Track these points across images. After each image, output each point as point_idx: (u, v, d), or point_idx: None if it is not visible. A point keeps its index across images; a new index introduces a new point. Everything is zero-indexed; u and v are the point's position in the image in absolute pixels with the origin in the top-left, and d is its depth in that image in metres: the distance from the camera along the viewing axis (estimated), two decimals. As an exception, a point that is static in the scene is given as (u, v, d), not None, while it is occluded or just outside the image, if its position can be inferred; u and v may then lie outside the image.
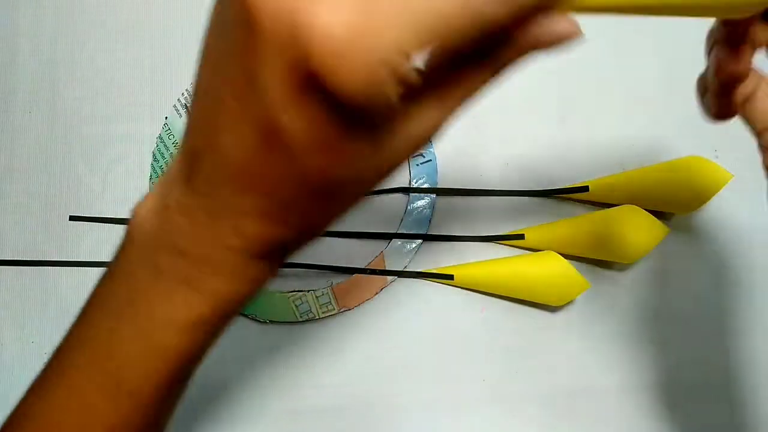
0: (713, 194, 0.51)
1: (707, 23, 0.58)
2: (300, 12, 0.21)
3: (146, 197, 0.29)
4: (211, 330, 0.30)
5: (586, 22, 0.57)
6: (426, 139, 0.27)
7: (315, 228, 0.28)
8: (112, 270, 0.30)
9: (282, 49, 0.22)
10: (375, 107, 0.23)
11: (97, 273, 0.51)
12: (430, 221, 0.55)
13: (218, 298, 0.28)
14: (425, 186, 0.55)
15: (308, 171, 0.25)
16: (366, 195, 0.29)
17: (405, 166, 0.55)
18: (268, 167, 0.25)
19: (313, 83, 0.21)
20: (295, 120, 0.23)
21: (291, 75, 0.22)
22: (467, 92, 0.28)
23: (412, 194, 0.55)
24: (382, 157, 0.26)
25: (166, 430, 0.34)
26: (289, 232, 0.27)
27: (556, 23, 0.26)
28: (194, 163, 0.26)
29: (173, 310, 0.28)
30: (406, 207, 0.55)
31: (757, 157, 0.55)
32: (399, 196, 0.55)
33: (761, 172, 0.56)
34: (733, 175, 0.51)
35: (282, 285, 0.54)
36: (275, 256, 0.28)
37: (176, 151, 0.32)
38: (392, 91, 0.22)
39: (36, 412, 0.31)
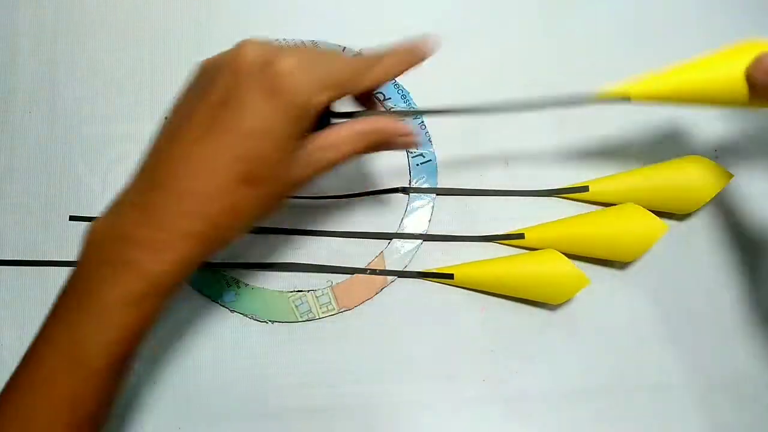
0: (713, 194, 0.51)
1: (711, 34, 0.58)
2: (270, 56, 0.37)
3: (100, 216, 0.39)
4: (150, 305, 0.38)
5: (589, 23, 0.57)
6: (327, 162, 0.41)
7: (235, 230, 0.40)
8: (72, 274, 0.39)
9: (260, 75, 0.37)
10: (306, 110, 0.38)
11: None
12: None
13: (153, 275, 0.37)
14: (425, 186, 0.55)
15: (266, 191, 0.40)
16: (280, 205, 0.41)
17: (405, 167, 0.55)
18: (225, 200, 0.38)
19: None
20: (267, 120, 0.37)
21: (263, 88, 0.37)
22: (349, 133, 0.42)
23: (411, 194, 0.55)
24: (297, 170, 0.40)
25: (114, 404, 0.41)
26: (214, 235, 0.39)
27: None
28: (153, 187, 0.38)
29: (119, 290, 0.37)
30: (406, 207, 0.55)
31: (757, 157, 0.56)
32: (399, 196, 0.55)
33: (761, 172, 0.56)
34: (733, 175, 0.51)
35: (282, 285, 0.54)
36: (202, 251, 0.39)
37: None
38: (316, 101, 0.38)
39: (10, 395, 0.38)
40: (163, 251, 0.38)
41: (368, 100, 0.45)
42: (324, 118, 0.42)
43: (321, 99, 0.38)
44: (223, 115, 0.37)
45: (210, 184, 0.38)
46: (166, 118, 0.41)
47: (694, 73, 0.46)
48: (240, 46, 0.38)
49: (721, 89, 0.45)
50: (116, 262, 0.37)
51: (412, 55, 0.42)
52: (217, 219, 0.38)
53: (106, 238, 0.38)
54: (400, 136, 0.43)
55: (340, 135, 0.41)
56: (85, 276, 0.38)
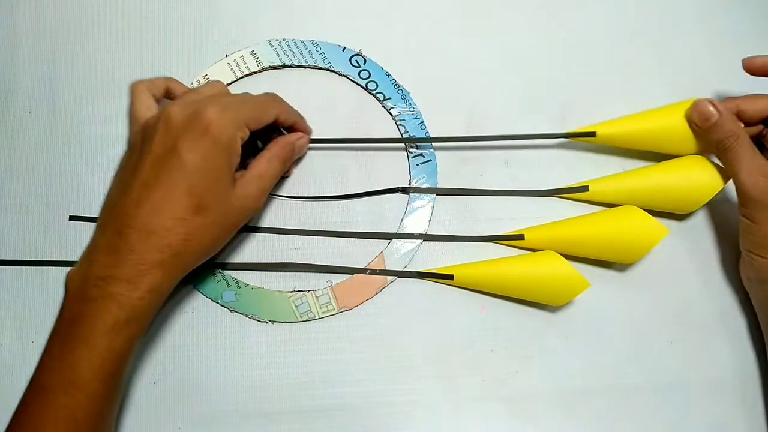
0: (713, 194, 0.51)
1: (716, 37, 0.58)
2: (194, 110, 0.46)
3: (75, 267, 0.46)
4: (132, 330, 0.45)
5: (590, 22, 0.57)
6: (263, 183, 0.49)
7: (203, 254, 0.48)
8: (60, 315, 0.45)
9: (190, 126, 0.45)
10: (232, 143, 0.46)
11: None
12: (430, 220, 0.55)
13: (134, 303, 0.44)
14: (425, 186, 0.55)
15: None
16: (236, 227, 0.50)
17: (405, 167, 0.55)
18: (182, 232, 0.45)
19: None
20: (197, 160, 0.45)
21: (196, 134, 0.45)
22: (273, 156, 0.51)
23: (411, 194, 0.55)
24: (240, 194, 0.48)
25: (113, 422, 0.47)
26: (177, 262, 0.46)
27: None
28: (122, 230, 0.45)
29: (104, 321, 0.43)
30: (406, 207, 0.55)
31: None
32: (399, 196, 0.55)
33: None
34: (732, 175, 0.51)
35: (282, 285, 0.54)
36: (171, 276, 0.46)
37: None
38: (237, 136, 0.47)
39: (21, 417, 0.44)
40: (138, 282, 0.44)
41: (276, 129, 0.54)
42: (249, 146, 0.50)
43: (240, 134, 0.47)
44: (168, 162, 0.45)
45: (167, 219, 0.45)
46: (114, 177, 0.49)
47: (652, 120, 0.54)
48: (165, 110, 0.46)
49: (676, 134, 0.53)
50: (99, 298, 0.43)
51: (297, 117, 0.54)
52: (178, 247, 0.45)
53: (87, 281, 0.44)
54: (298, 141, 0.54)
55: (261, 165, 0.50)
56: (72, 314, 0.44)
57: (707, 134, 0.51)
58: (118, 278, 0.43)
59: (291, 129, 0.54)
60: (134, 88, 0.51)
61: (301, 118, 0.54)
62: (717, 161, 0.52)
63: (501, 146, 0.56)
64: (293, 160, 0.54)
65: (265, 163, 0.50)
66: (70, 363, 0.43)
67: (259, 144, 0.53)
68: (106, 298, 0.43)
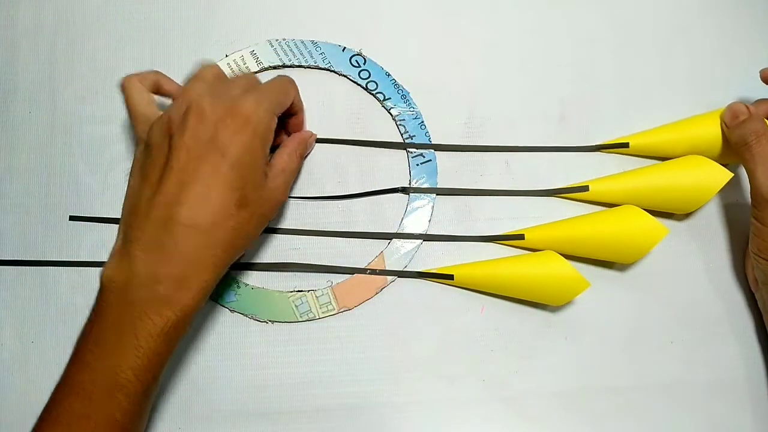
0: (713, 193, 0.51)
1: (716, 36, 0.58)
2: (228, 104, 0.45)
3: (107, 264, 0.44)
4: (178, 331, 0.43)
5: (589, 21, 0.57)
6: (287, 172, 0.49)
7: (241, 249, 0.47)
8: (94, 315, 0.43)
9: (228, 118, 0.44)
10: (269, 132, 0.46)
11: (97, 273, 0.52)
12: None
13: (185, 304, 0.43)
14: (425, 186, 0.55)
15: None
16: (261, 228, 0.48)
17: (405, 167, 0.55)
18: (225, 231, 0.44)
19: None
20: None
21: (235, 126, 0.44)
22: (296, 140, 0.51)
23: (411, 194, 0.55)
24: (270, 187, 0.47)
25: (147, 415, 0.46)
26: (225, 258, 0.45)
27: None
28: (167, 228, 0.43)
29: (153, 324, 0.42)
30: (406, 207, 0.55)
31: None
32: (398, 197, 0.55)
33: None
34: (732, 174, 0.51)
35: (282, 285, 0.54)
36: (219, 274, 0.45)
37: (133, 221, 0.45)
38: (272, 124, 0.46)
39: (53, 420, 0.42)
40: (188, 283, 0.43)
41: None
42: None
43: (274, 121, 0.47)
44: (208, 156, 0.43)
45: (214, 214, 0.43)
46: (132, 175, 0.46)
47: (684, 130, 0.54)
48: (195, 102, 0.44)
49: (707, 145, 0.53)
50: (147, 300, 0.42)
51: (302, 106, 0.53)
52: (225, 244, 0.44)
53: (131, 281, 0.42)
54: (310, 138, 0.55)
55: (284, 159, 0.49)
56: (117, 316, 0.42)
57: (733, 132, 0.51)
58: (167, 277, 0.42)
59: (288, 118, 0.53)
60: (127, 84, 0.49)
61: (303, 108, 0.54)
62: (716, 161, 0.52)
63: (501, 147, 0.56)
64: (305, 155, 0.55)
65: (286, 157, 0.49)
66: (113, 365, 0.42)
67: None
68: (156, 301, 0.42)
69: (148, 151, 0.45)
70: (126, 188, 0.46)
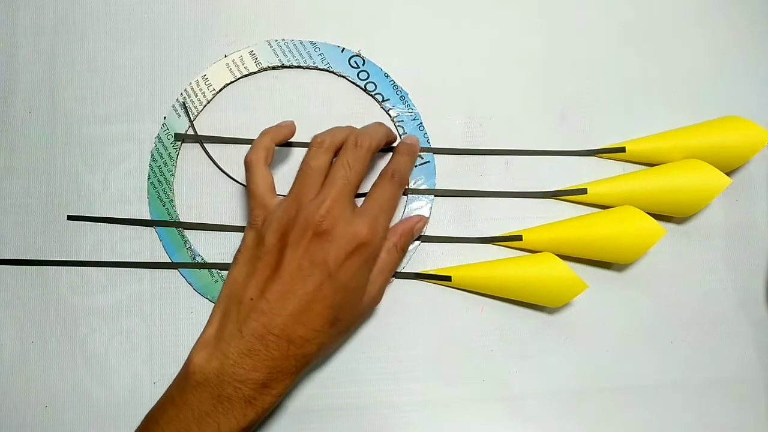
0: (712, 198, 0.51)
1: (715, 35, 0.57)
2: (350, 225, 0.47)
3: (198, 350, 0.46)
4: (255, 426, 0.46)
5: (589, 21, 0.57)
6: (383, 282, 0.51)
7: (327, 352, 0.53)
8: (176, 396, 0.45)
9: (342, 241, 0.46)
10: (378, 252, 0.49)
11: (96, 273, 0.52)
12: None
13: (265, 406, 0.45)
14: (424, 187, 0.55)
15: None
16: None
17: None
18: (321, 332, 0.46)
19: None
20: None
21: (350, 252, 0.46)
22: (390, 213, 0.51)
23: (410, 195, 0.55)
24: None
25: None
26: (306, 367, 0.47)
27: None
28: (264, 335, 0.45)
29: (236, 420, 0.44)
30: (405, 208, 0.55)
31: (756, 163, 0.55)
32: (397, 197, 0.55)
33: (759, 176, 0.56)
34: (731, 180, 0.50)
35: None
36: (296, 381, 0.48)
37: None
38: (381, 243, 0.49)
39: None
40: (273, 389, 0.45)
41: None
42: None
43: (383, 244, 0.50)
44: (314, 273, 0.45)
45: (308, 330, 0.45)
46: (238, 261, 0.49)
47: (682, 138, 0.54)
48: (306, 216, 0.47)
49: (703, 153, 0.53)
50: (236, 399, 0.44)
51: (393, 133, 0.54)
52: (311, 357, 0.47)
53: (222, 378, 0.44)
54: (417, 224, 0.54)
55: (382, 259, 0.50)
56: (199, 405, 0.44)
57: None
58: (255, 382, 0.44)
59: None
60: (254, 164, 0.50)
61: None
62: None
63: (500, 147, 0.56)
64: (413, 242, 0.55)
65: (384, 254, 0.50)
66: None
67: None
68: (241, 401, 0.44)
69: (260, 245, 0.48)
70: (231, 270, 0.49)
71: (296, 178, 0.50)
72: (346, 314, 0.47)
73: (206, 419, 0.44)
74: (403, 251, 0.52)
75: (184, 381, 0.45)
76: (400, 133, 0.56)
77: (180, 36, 0.58)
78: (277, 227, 0.47)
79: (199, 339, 0.47)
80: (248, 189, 0.50)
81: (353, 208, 0.48)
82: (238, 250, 0.49)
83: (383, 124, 0.53)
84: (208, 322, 0.48)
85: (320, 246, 0.46)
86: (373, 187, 0.51)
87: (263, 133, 0.51)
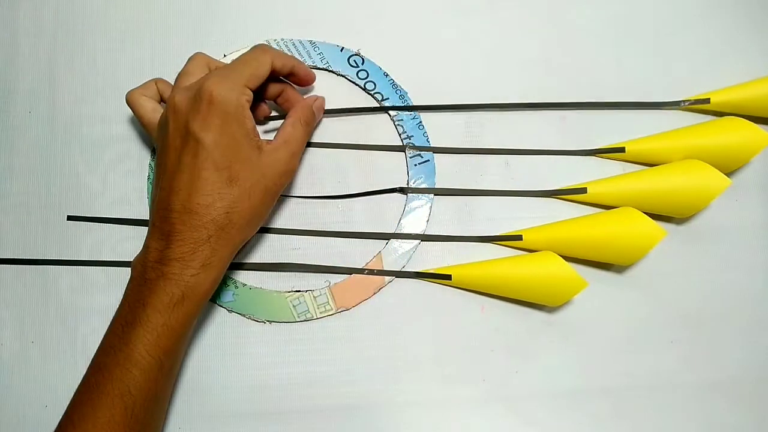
0: (712, 199, 0.51)
1: (715, 35, 0.57)
2: (194, 88, 0.47)
3: (138, 255, 0.49)
4: (187, 307, 0.46)
5: (589, 21, 0.57)
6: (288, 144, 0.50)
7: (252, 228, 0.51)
8: (123, 299, 0.47)
9: (194, 104, 0.47)
10: (239, 107, 0.47)
11: (97, 272, 0.52)
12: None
13: (186, 281, 0.46)
14: (423, 186, 0.55)
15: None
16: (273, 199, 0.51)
17: (403, 167, 0.55)
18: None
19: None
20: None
21: (202, 109, 0.46)
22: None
23: (410, 194, 0.55)
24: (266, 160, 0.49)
25: (167, 399, 0.50)
26: (225, 237, 0.48)
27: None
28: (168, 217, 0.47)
29: (159, 299, 0.46)
30: (404, 207, 0.55)
31: (755, 164, 0.55)
32: (397, 197, 0.55)
33: (759, 177, 0.56)
34: (731, 182, 0.50)
35: (280, 285, 0.54)
36: (221, 253, 0.48)
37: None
38: (242, 99, 0.47)
39: (77, 398, 0.46)
40: (189, 260, 0.46)
41: (279, 79, 0.54)
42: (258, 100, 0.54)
43: (244, 97, 0.48)
44: (187, 146, 0.47)
45: (203, 196, 0.46)
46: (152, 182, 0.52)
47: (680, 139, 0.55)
48: (169, 100, 0.48)
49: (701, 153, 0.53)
50: (155, 278, 0.46)
51: (293, 61, 0.53)
52: (221, 221, 0.47)
53: (145, 266, 0.47)
54: (315, 103, 0.55)
55: (287, 130, 0.51)
56: (133, 296, 0.47)
57: None
58: (171, 258, 0.46)
59: (290, 77, 0.54)
60: (131, 99, 0.52)
61: (298, 61, 0.53)
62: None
63: (500, 147, 0.56)
64: (316, 121, 0.56)
65: (289, 128, 0.51)
66: (128, 341, 0.45)
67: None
68: (161, 278, 0.46)
69: (156, 159, 0.50)
70: None
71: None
72: (240, 170, 0.47)
73: (136, 305, 0.46)
74: (308, 125, 0.52)
75: (128, 282, 0.48)
76: (400, 132, 0.56)
77: (179, 36, 0.58)
78: (158, 130, 0.50)
79: None
80: (139, 121, 0.52)
81: (209, 78, 0.48)
82: None
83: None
84: None
85: (180, 119, 0.47)
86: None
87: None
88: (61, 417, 0.46)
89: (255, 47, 0.51)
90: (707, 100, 0.56)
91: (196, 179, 0.46)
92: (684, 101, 0.56)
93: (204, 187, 0.46)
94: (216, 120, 0.46)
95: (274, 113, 0.56)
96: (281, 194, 0.52)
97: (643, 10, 0.58)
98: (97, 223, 0.55)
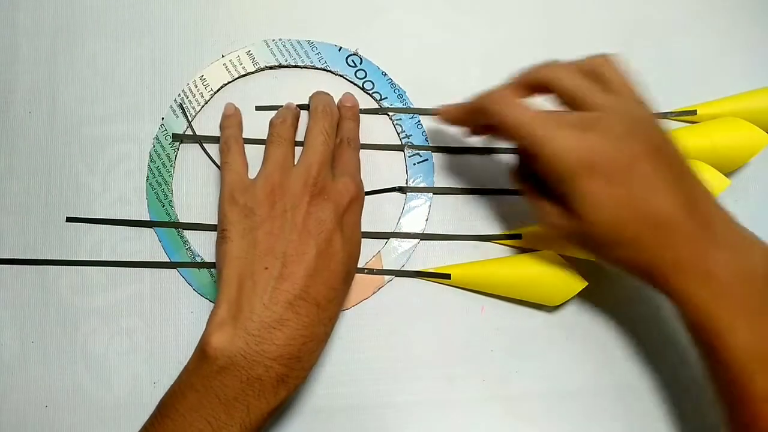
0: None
1: (715, 36, 0.57)
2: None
3: (214, 332, 0.42)
4: (282, 406, 0.44)
5: (589, 21, 0.57)
6: None
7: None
8: (197, 387, 0.41)
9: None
10: None
11: (96, 273, 0.52)
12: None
13: (298, 382, 0.43)
14: (422, 185, 0.55)
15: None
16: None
17: (402, 166, 0.55)
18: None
19: None
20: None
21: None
22: None
23: (409, 193, 0.55)
24: None
25: None
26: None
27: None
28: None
29: (265, 403, 0.41)
30: (403, 206, 0.55)
31: (755, 164, 0.55)
32: (396, 196, 0.55)
33: (758, 177, 0.55)
34: (730, 182, 0.50)
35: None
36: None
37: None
38: None
39: None
40: (307, 361, 0.44)
41: None
42: None
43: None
44: (332, 240, 0.45)
45: (331, 290, 0.45)
46: (230, 232, 0.46)
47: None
48: (307, 182, 0.47)
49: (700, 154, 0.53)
50: (264, 380, 0.41)
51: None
52: (335, 316, 0.47)
53: (246, 359, 0.41)
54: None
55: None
56: (224, 391, 0.41)
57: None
58: (289, 357, 0.42)
59: None
60: (230, 140, 0.53)
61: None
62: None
63: (497, 149, 0.56)
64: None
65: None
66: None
67: None
68: (273, 380, 0.42)
69: (249, 216, 0.46)
70: (223, 251, 0.46)
71: (267, 150, 0.50)
72: (352, 269, 0.48)
73: (234, 404, 0.41)
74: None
75: (205, 367, 0.42)
76: (399, 131, 0.56)
77: (178, 36, 0.58)
78: (265, 197, 0.46)
79: (210, 322, 0.43)
80: (223, 168, 0.51)
81: (331, 175, 0.49)
82: (222, 232, 0.47)
83: (327, 93, 0.55)
84: (215, 306, 0.44)
85: (320, 205, 0.46)
86: (338, 156, 0.52)
87: (226, 124, 0.55)
88: None
89: (356, 152, 0.54)
90: (694, 112, 0.56)
91: (325, 270, 0.45)
92: (671, 113, 0.56)
93: (331, 280, 0.45)
94: (353, 218, 0.49)
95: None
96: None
97: (646, 12, 0.58)
98: (96, 224, 0.55)
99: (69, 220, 0.55)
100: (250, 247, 0.45)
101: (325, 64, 0.57)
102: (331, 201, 0.46)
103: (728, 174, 0.52)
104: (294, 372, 0.43)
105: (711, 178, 0.51)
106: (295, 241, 0.44)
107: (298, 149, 0.51)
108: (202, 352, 0.42)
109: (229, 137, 0.53)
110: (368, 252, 0.54)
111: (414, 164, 0.55)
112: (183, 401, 0.41)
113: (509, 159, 0.56)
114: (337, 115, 0.53)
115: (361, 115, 0.56)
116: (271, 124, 0.52)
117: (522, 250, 0.54)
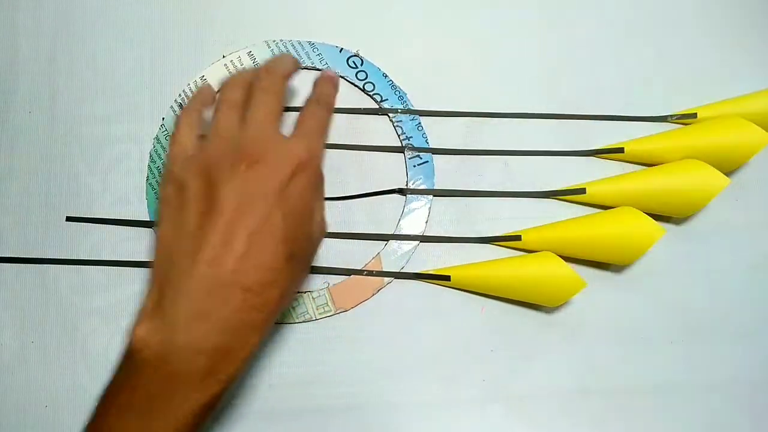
0: (710, 198, 0.51)
1: (715, 36, 0.57)
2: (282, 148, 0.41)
3: (139, 323, 0.38)
4: (217, 402, 0.39)
5: (589, 21, 0.57)
6: None
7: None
8: (125, 380, 0.38)
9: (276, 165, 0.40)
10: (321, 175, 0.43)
11: (96, 273, 0.52)
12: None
13: (230, 374, 0.38)
14: (422, 187, 0.55)
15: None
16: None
17: (402, 168, 0.55)
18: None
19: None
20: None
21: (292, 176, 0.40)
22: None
23: (409, 195, 0.55)
24: None
25: None
26: (272, 320, 0.41)
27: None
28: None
29: (194, 399, 0.37)
30: (403, 208, 0.55)
31: (755, 164, 0.55)
32: (396, 197, 0.55)
33: (758, 177, 0.56)
34: (730, 181, 0.50)
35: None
36: (264, 337, 0.40)
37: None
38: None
39: None
40: (235, 352, 0.38)
41: None
42: None
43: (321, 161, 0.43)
44: (256, 209, 0.39)
45: (264, 274, 0.39)
46: (161, 216, 0.42)
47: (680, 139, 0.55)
48: (241, 148, 0.41)
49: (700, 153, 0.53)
50: (189, 374, 0.37)
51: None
52: (274, 302, 0.40)
53: (169, 352, 0.37)
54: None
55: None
56: (149, 387, 0.37)
57: None
58: (213, 349, 0.38)
59: None
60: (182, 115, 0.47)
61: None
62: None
63: (499, 147, 0.56)
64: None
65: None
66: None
67: None
68: (200, 374, 0.37)
69: (181, 192, 0.41)
70: (156, 234, 0.42)
71: (212, 117, 0.44)
72: (300, 247, 0.41)
73: (157, 401, 0.37)
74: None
75: (129, 361, 0.38)
76: (399, 133, 0.56)
77: (179, 36, 0.58)
78: (197, 169, 0.41)
79: (138, 312, 0.39)
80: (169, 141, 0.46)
81: (281, 135, 0.43)
82: (158, 210, 0.43)
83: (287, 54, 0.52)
84: (145, 294, 0.40)
85: (257, 175, 0.39)
86: (300, 114, 0.46)
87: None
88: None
89: (323, 112, 0.47)
90: (694, 115, 0.56)
91: (258, 250, 0.39)
92: (671, 115, 0.56)
93: (267, 261, 0.39)
94: (299, 189, 0.41)
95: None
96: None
97: (645, 11, 0.58)
98: (96, 224, 0.55)
99: (69, 219, 0.55)
100: (176, 228, 0.40)
101: (326, 65, 0.57)
102: (272, 169, 0.40)
103: (728, 173, 0.52)
104: (223, 365, 0.38)
105: (711, 177, 0.51)
106: (223, 218, 0.39)
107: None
108: (127, 344, 0.39)
109: (182, 110, 0.47)
110: (368, 253, 0.54)
111: (414, 166, 0.55)
112: (114, 401, 0.39)
113: (509, 161, 0.56)
114: (288, 73, 0.48)
115: (361, 116, 0.56)
116: (221, 85, 0.47)
117: (522, 252, 0.54)
